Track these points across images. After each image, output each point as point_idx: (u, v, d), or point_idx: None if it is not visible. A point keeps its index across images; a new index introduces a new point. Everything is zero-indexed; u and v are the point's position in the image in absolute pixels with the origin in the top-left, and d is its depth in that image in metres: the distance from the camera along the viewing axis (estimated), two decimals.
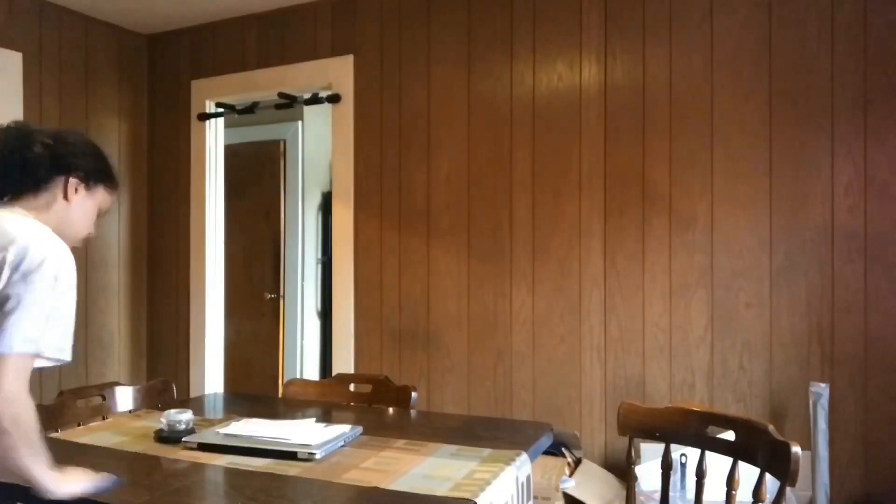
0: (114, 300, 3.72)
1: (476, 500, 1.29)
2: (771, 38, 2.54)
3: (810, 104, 2.49)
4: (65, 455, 1.61)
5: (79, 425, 1.89)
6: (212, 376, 3.72)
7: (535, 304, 2.91)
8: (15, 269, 1.24)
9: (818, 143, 2.48)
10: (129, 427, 1.84)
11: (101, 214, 1.56)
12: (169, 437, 1.69)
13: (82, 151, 1.47)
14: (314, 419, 1.87)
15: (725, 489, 1.50)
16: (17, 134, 1.42)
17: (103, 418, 2.00)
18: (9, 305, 1.22)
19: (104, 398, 2.07)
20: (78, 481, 1.28)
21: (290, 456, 1.54)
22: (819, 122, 2.48)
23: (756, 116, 2.56)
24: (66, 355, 1.30)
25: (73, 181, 1.44)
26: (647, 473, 2.39)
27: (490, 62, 3.01)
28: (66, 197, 1.44)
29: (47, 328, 1.25)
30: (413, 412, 2.16)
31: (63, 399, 1.96)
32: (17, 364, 1.21)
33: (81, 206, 1.47)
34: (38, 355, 1.24)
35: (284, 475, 1.44)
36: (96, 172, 1.50)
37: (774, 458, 1.40)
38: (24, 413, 1.20)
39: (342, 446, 1.65)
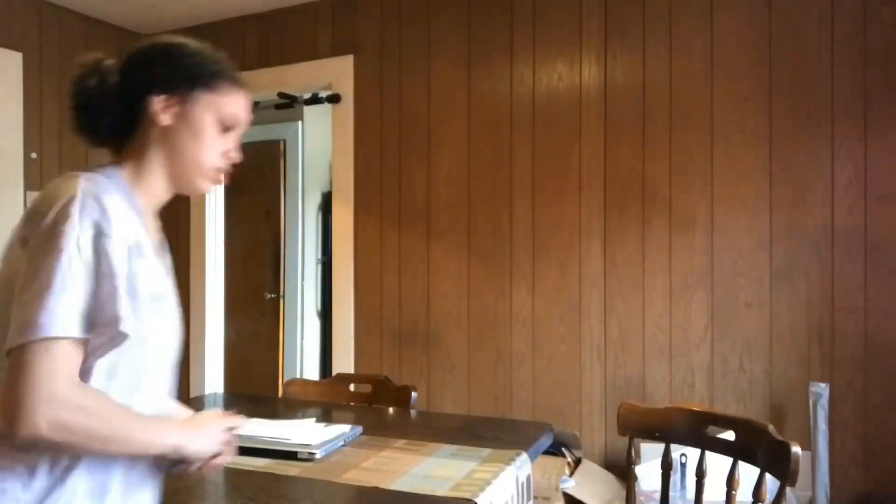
0: None
1: (476, 500, 1.29)
2: (771, 39, 2.54)
3: (810, 104, 2.49)
4: None
5: None
6: (212, 376, 3.73)
7: (535, 304, 2.91)
8: (24, 241, 0.95)
9: (818, 143, 2.48)
10: None
11: (230, 127, 1.13)
12: None
13: (156, 57, 1.09)
14: (314, 419, 1.87)
15: (725, 489, 1.50)
16: (79, 72, 1.11)
17: None
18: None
19: None
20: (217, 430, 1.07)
21: (290, 456, 1.54)
22: (819, 122, 2.48)
23: (756, 116, 2.56)
24: (116, 325, 0.94)
25: (156, 100, 1.06)
26: (647, 473, 2.39)
27: (490, 62, 3.01)
28: (156, 123, 1.07)
29: (57, 298, 0.89)
30: (413, 412, 2.16)
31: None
32: (31, 359, 0.88)
33: (187, 127, 1.08)
34: (55, 337, 0.89)
35: (284, 475, 1.44)
36: (187, 76, 1.08)
37: (774, 458, 1.40)
38: (74, 416, 0.89)
39: (342, 446, 1.65)
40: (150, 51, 1.10)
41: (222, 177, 1.15)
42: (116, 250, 0.95)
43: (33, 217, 0.95)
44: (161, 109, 1.06)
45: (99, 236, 0.94)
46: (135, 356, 1.00)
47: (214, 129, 1.10)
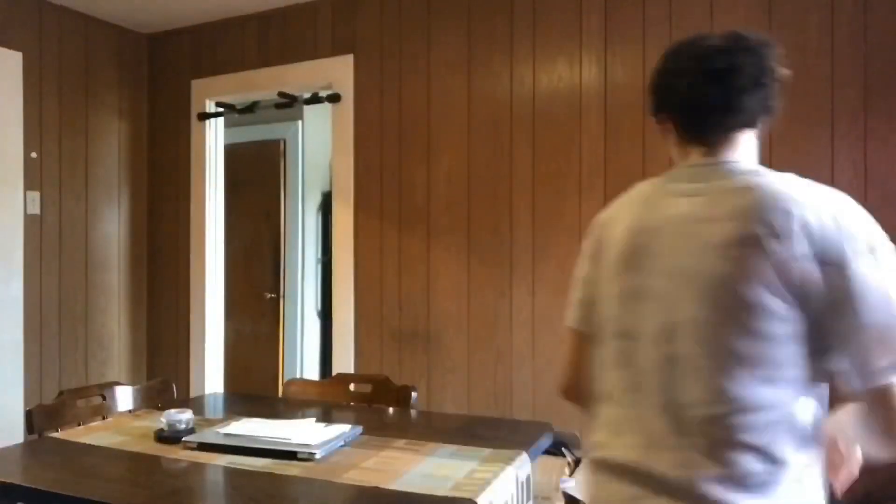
0: (114, 300, 3.72)
1: (476, 500, 1.29)
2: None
3: (810, 104, 2.49)
4: (65, 455, 1.62)
5: (79, 425, 1.89)
6: (212, 376, 3.73)
7: (535, 304, 2.91)
8: (827, 243, 0.91)
9: (818, 143, 2.48)
10: (129, 427, 1.84)
11: None
12: (169, 436, 1.69)
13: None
14: (314, 419, 1.87)
15: None
16: (754, 48, 1.12)
17: (103, 418, 2.00)
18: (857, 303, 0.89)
19: (104, 398, 2.07)
20: None
21: (290, 456, 1.54)
22: (819, 122, 2.48)
23: None
24: None
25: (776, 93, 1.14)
26: None
27: (490, 62, 3.01)
28: (770, 117, 1.16)
29: None
30: (413, 412, 2.17)
31: (63, 399, 1.96)
32: None
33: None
34: None
35: (284, 475, 1.44)
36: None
37: None
38: None
39: (342, 446, 1.65)
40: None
41: None
42: None
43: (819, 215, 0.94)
44: (778, 104, 1.12)
45: None
46: None
47: None
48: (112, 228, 3.72)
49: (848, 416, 0.99)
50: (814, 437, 0.96)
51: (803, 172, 2.61)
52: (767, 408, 0.93)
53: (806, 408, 0.97)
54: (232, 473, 1.46)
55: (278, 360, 4.42)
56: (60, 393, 1.99)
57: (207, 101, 3.72)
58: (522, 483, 1.54)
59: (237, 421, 1.81)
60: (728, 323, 0.92)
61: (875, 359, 0.88)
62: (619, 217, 1.18)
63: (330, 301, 3.40)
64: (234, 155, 4.17)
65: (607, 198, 2.79)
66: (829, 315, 0.90)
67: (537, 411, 2.89)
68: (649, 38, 2.72)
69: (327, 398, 2.33)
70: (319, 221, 4.56)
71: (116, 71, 3.74)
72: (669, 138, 1.19)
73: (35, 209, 3.32)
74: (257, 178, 4.49)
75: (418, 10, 3.16)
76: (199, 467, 1.49)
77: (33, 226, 3.32)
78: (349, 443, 1.68)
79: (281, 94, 3.49)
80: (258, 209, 4.47)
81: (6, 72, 3.19)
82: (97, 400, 2.06)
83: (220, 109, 3.72)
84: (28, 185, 3.29)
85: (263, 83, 3.54)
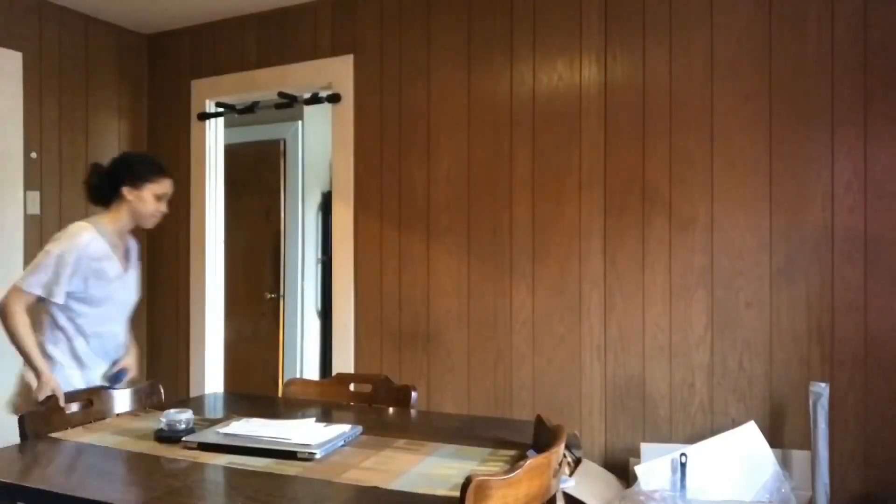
0: None
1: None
2: (771, 38, 2.54)
3: (810, 104, 2.49)
4: (64, 455, 1.62)
5: (67, 430, 1.87)
6: (212, 376, 3.72)
7: (535, 304, 2.91)
8: None
9: (818, 143, 2.48)
10: (129, 427, 1.84)
11: (161, 198, 2.23)
12: (169, 436, 1.69)
13: (126, 165, 2.21)
14: (314, 419, 1.87)
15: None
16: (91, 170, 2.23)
17: (91, 422, 1.98)
18: None
19: (91, 403, 2.02)
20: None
21: (290, 456, 1.54)
22: (819, 122, 2.48)
23: (756, 116, 2.56)
24: (42, 292, 2.04)
25: (125, 189, 2.18)
26: (648, 473, 2.39)
27: (490, 62, 3.01)
28: (124, 198, 2.19)
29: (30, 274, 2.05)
30: (413, 412, 2.16)
31: (52, 404, 1.93)
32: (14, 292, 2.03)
33: (138, 200, 2.19)
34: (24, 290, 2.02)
35: (284, 475, 1.44)
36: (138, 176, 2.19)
37: None
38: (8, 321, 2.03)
39: (342, 446, 1.65)
40: (127, 160, 2.25)
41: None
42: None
43: None
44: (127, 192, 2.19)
45: (68, 251, 2.08)
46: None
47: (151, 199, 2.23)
48: None
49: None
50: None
51: (803, 172, 2.62)
52: None
53: None
54: (232, 473, 1.46)
55: (278, 360, 4.42)
56: (48, 398, 1.96)
57: (207, 102, 3.72)
58: None
59: (237, 421, 1.81)
60: None
61: None
62: None
63: (330, 301, 3.40)
64: (234, 155, 4.17)
65: (607, 198, 2.79)
66: None
67: (537, 411, 2.89)
68: (649, 38, 2.72)
69: (327, 398, 2.33)
70: (319, 221, 4.56)
71: (116, 71, 3.74)
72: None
73: (35, 209, 3.32)
74: (257, 178, 4.49)
75: (418, 10, 3.16)
76: (198, 467, 1.49)
77: (33, 226, 3.32)
78: (349, 443, 1.68)
79: (281, 94, 3.49)
80: (258, 209, 4.47)
81: (6, 72, 3.19)
82: (86, 405, 2.01)
83: (220, 109, 3.72)
84: (28, 185, 3.29)
85: (263, 83, 3.54)
